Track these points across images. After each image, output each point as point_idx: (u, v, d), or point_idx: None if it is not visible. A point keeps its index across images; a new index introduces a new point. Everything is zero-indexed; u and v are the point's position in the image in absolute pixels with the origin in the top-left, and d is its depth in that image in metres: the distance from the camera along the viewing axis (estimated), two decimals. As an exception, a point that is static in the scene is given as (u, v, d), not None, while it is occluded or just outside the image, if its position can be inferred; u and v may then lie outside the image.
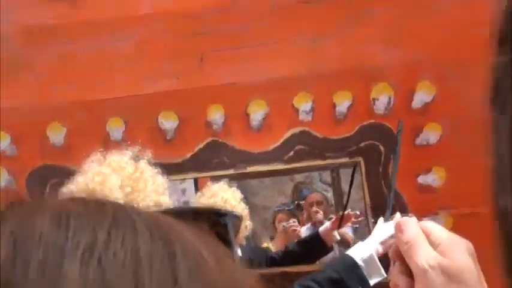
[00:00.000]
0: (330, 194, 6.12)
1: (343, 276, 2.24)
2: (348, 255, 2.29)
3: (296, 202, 4.83)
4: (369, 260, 2.27)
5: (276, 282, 3.20)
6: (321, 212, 4.81)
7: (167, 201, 2.11)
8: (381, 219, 2.47)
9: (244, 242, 4.14)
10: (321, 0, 3.22)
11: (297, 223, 4.74)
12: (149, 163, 2.18)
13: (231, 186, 3.94)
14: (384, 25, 3.18)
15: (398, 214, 2.39)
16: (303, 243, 4.11)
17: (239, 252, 3.95)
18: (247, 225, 4.00)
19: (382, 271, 2.29)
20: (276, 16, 3.25)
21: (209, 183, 3.89)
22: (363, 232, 3.87)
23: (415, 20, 3.16)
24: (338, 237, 3.87)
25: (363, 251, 2.29)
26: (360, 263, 2.27)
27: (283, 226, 4.60)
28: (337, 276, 2.23)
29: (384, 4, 3.17)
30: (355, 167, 3.40)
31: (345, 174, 4.06)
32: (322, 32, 3.21)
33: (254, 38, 3.25)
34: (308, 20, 3.23)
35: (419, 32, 3.15)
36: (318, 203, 4.97)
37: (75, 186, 2.09)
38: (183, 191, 4.86)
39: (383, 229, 2.38)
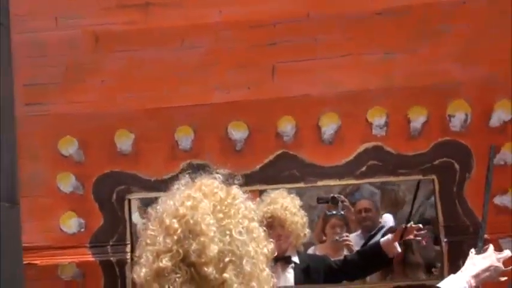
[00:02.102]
0: (378, 197, 6.11)
1: None
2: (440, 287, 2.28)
3: (332, 195, 4.82)
4: None
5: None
6: (370, 219, 4.81)
7: (257, 227, 2.11)
8: (473, 251, 2.47)
9: (302, 249, 4.16)
10: (396, 14, 3.23)
11: (349, 237, 4.75)
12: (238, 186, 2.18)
13: (290, 194, 3.97)
14: (461, 41, 3.19)
15: (491, 246, 2.38)
16: (364, 253, 4.11)
17: (297, 259, 3.97)
18: (306, 233, 4.02)
19: None
20: (350, 28, 3.27)
21: (269, 190, 3.91)
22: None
23: (493, 36, 3.16)
24: (399, 249, 3.86)
25: (455, 285, 2.28)
26: None
27: (336, 239, 4.62)
28: None
29: (461, 20, 3.18)
30: (419, 181, 3.39)
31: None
32: (397, 45, 3.23)
33: (327, 50, 3.28)
34: (383, 33, 3.25)
35: (498, 49, 3.16)
36: (367, 210, 4.98)
37: (164, 208, 2.09)
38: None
39: (476, 262, 2.37)
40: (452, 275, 2.37)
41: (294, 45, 3.30)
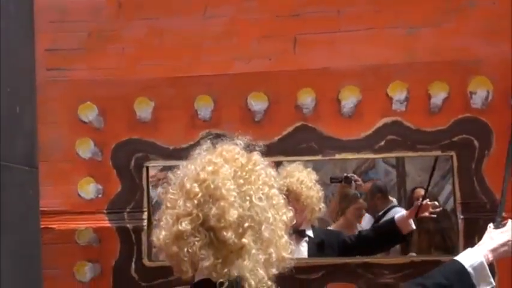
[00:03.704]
0: (393, 175, 6.13)
1: (452, 283, 2.25)
2: (457, 261, 2.31)
3: (345, 174, 4.84)
4: (478, 268, 2.29)
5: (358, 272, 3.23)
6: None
7: (277, 194, 2.13)
8: (491, 225, 2.48)
9: (316, 224, 4.19)
10: (420, -12, 3.20)
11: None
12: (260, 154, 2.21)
13: (306, 167, 3.99)
14: (485, 17, 3.18)
15: (510, 221, 2.39)
16: (378, 229, 4.15)
17: (311, 233, 4.00)
18: (321, 207, 4.05)
19: (491, 279, 2.30)
20: (374, 1, 3.28)
21: (285, 163, 3.93)
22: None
23: (517, 13, 3.12)
24: (414, 226, 3.89)
25: (473, 258, 2.30)
26: (470, 270, 2.28)
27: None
28: (446, 282, 2.25)
29: (487, -3, 3.15)
30: (436, 158, 3.40)
31: (408, 157, 4.03)
32: (420, 20, 3.23)
33: (350, 23, 3.28)
34: (406, 8, 3.25)
35: (522, 27, 3.12)
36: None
37: (185, 173, 2.12)
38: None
39: (494, 236, 2.39)
40: (469, 249, 2.39)
41: (316, 17, 3.30)
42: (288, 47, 3.30)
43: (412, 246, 4.31)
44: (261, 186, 2.10)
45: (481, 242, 2.41)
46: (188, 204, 2.05)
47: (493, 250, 2.35)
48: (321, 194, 4.03)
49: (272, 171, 2.19)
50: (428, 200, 3.86)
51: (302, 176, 3.99)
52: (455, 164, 3.14)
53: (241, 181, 2.09)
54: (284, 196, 2.20)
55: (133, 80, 3.38)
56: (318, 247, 4.00)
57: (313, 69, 3.27)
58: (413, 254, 4.07)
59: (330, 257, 3.66)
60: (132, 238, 3.32)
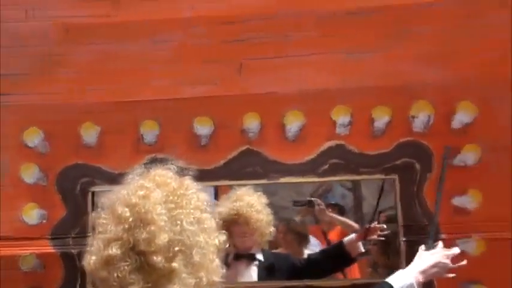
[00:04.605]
0: (349, 199, 6.18)
1: None
2: (387, 283, 2.33)
3: (308, 199, 4.87)
4: None
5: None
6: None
7: (209, 218, 2.14)
8: (422, 247, 2.52)
9: (266, 247, 4.20)
10: (365, 14, 3.28)
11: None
12: (180, 170, 2.22)
13: (256, 191, 4.00)
14: (428, 43, 3.25)
15: (441, 243, 2.43)
16: (327, 252, 4.17)
17: (261, 256, 4.01)
18: (271, 231, 4.06)
19: None
20: (318, 27, 3.33)
21: (235, 187, 3.95)
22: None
23: (459, 39, 3.22)
24: (362, 249, 3.91)
25: (403, 280, 2.33)
26: None
27: None
28: None
29: (429, 22, 3.24)
30: (384, 181, 3.44)
31: (364, 181, 4.08)
32: (364, 45, 3.28)
33: (295, 48, 3.33)
34: (350, 33, 3.30)
35: (463, 52, 3.22)
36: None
37: (117, 197, 2.12)
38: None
39: (424, 258, 2.42)
40: (400, 270, 2.42)
41: (262, 42, 3.35)
42: (234, 72, 3.34)
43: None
44: (192, 211, 2.10)
45: (411, 264, 2.44)
46: (119, 229, 2.05)
47: (423, 271, 2.39)
48: (270, 217, 4.04)
49: (204, 196, 2.19)
50: (376, 222, 3.89)
51: (252, 199, 4.01)
52: (398, 187, 3.18)
53: (172, 205, 2.09)
54: (217, 220, 2.20)
55: (80, 105, 3.38)
56: (267, 271, 4.00)
57: (258, 93, 3.31)
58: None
59: (277, 281, 3.66)
60: (76, 264, 3.29)
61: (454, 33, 3.21)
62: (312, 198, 4.90)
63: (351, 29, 3.28)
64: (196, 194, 2.16)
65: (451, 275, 2.51)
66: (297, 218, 4.84)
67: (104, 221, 2.10)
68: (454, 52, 3.21)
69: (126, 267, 2.00)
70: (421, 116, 3.20)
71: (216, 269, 2.13)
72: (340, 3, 3.30)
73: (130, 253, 2.02)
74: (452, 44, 3.21)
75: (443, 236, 3.09)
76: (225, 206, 4.01)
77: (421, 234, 3.11)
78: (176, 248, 2.03)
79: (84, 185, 3.35)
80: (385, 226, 3.81)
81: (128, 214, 2.06)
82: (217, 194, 4.35)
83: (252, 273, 4.00)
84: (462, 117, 3.18)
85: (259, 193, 4.07)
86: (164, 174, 2.18)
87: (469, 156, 3.16)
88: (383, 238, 3.84)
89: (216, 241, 2.16)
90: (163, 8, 3.38)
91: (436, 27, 3.24)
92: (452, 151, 3.15)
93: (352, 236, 3.97)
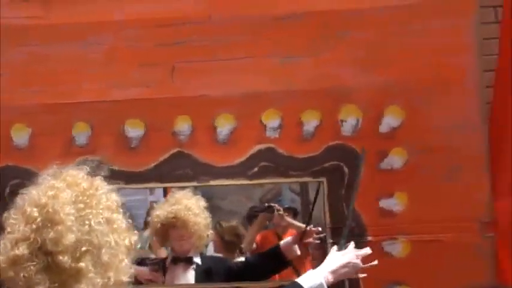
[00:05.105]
0: (297, 203, 6.21)
1: None
2: (297, 283, 2.35)
3: (267, 204, 4.90)
4: None
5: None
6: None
7: (120, 218, 2.14)
8: (334, 247, 2.55)
9: (204, 251, 4.20)
10: (296, 19, 3.32)
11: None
12: (111, 173, 2.22)
13: (195, 194, 4.01)
14: (357, 48, 3.30)
15: (352, 244, 2.47)
16: (264, 255, 4.18)
17: (199, 260, 4.02)
18: (208, 234, 4.06)
19: None
20: (250, 31, 3.36)
21: (174, 189, 3.95)
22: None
23: (387, 45, 3.29)
24: (298, 252, 3.93)
25: (312, 280, 2.36)
26: None
27: None
28: None
29: (358, 27, 3.29)
30: (319, 184, 3.48)
31: (313, 184, 4.12)
32: (294, 50, 3.32)
33: (227, 52, 3.35)
34: (281, 38, 3.34)
35: (391, 57, 3.28)
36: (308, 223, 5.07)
37: (27, 198, 2.12)
38: (151, 191, 4.93)
39: (335, 258, 2.45)
40: (311, 270, 2.45)
41: (195, 45, 3.37)
42: (166, 75, 3.35)
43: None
44: (101, 211, 2.10)
45: (322, 264, 2.47)
46: (27, 229, 2.04)
47: (333, 272, 2.42)
48: (208, 220, 4.04)
49: (115, 196, 2.20)
50: (312, 225, 3.92)
51: (190, 203, 4.01)
52: (326, 190, 3.22)
53: (82, 205, 2.09)
54: (129, 220, 2.20)
55: (11, 106, 3.36)
56: (205, 274, 4.00)
57: (190, 96, 3.33)
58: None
59: (210, 284, 3.68)
60: (4, 266, 3.26)
61: (383, 39, 3.27)
62: (271, 204, 4.93)
63: (281, 33, 3.32)
64: (107, 194, 2.17)
65: (361, 275, 2.55)
66: (226, 223, 4.84)
67: (13, 221, 2.10)
68: (383, 57, 3.26)
69: (32, 267, 2.00)
70: (350, 120, 3.25)
71: (125, 269, 2.13)
72: (272, 8, 3.34)
73: (37, 253, 2.02)
74: (380, 49, 3.27)
75: (369, 238, 3.14)
76: (163, 209, 4.00)
77: (349, 236, 3.15)
78: (84, 248, 2.03)
79: (14, 187, 3.33)
80: (320, 229, 3.84)
81: (36, 214, 2.06)
82: (166, 195, 4.36)
83: (190, 277, 4.00)
84: (390, 121, 3.24)
85: (197, 196, 4.08)
86: (75, 175, 2.18)
87: (395, 159, 3.22)
88: (319, 241, 3.87)
89: (127, 241, 2.17)
90: (96, 11, 3.39)
91: (365, 33, 3.30)
92: (380, 154, 3.20)
93: (289, 239, 4.00)
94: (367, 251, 2.54)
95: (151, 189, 4.86)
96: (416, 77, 3.24)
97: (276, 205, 4.91)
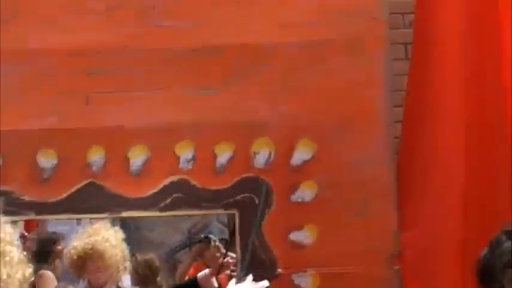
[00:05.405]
0: (226, 234, 6.22)
1: None
2: None
3: (203, 235, 4.89)
4: None
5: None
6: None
7: (13, 251, 2.12)
8: (233, 280, 2.57)
9: (122, 283, 4.17)
10: (211, 52, 3.35)
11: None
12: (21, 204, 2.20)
13: (113, 226, 3.99)
14: (271, 82, 3.35)
15: (250, 276, 2.49)
16: (180, 287, 4.17)
17: (117, 293, 3.98)
18: (126, 266, 4.03)
19: None
20: (166, 63, 3.38)
21: (92, 221, 3.92)
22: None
23: (300, 79, 3.33)
24: (215, 284, 3.93)
25: None
26: None
27: None
28: None
29: (272, 61, 3.33)
30: (234, 215, 3.50)
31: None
32: (209, 82, 3.36)
33: (142, 83, 3.36)
34: (197, 70, 3.36)
35: (304, 91, 3.33)
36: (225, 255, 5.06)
37: None
38: (78, 221, 4.87)
39: None
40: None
41: (110, 75, 3.37)
42: (81, 105, 3.34)
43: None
44: (-8, 243, 2.08)
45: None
46: None
47: (230, 304, 2.43)
48: (126, 252, 4.02)
49: (9, 228, 2.17)
50: (229, 258, 3.94)
51: (107, 234, 3.97)
52: (237, 222, 3.24)
53: (-29, 237, 2.06)
54: (24, 253, 2.18)
55: None
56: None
57: (104, 127, 3.33)
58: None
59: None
60: None
61: (296, 73, 3.33)
62: (208, 235, 4.93)
63: (197, 65, 3.35)
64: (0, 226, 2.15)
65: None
66: (142, 256, 4.83)
67: None
68: (295, 91, 3.32)
69: None
70: (262, 153, 3.29)
71: (17, 303, 2.10)
72: (188, 40, 3.37)
73: None
74: (293, 83, 3.33)
75: (279, 270, 3.17)
76: (81, 240, 3.96)
77: (259, 268, 3.17)
78: (-26, 282, 2.01)
79: None
80: (235, 261, 3.85)
81: None
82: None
83: (106, 308, 3.95)
84: (301, 154, 3.29)
85: (116, 228, 4.05)
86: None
87: (306, 192, 3.27)
88: (235, 273, 3.88)
89: (19, 274, 2.14)
90: (11, 39, 3.36)
91: (279, 67, 3.35)
92: (291, 187, 3.25)
93: (206, 271, 4.00)
94: (264, 283, 2.56)
95: (78, 220, 4.81)
96: (328, 111, 3.31)
97: (213, 236, 4.93)
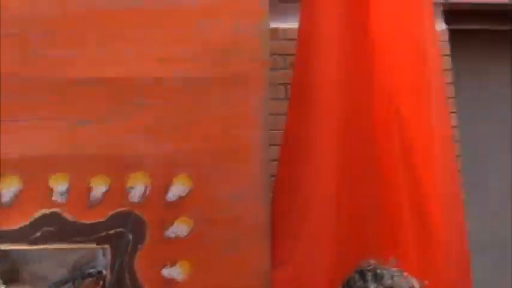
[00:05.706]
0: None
1: None
2: None
3: (98, 269, 4.77)
4: None
5: None
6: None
7: None
8: None
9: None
10: (90, 84, 3.32)
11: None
12: None
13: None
14: (148, 116, 3.34)
15: None
16: None
17: (-8, 329, 3.84)
18: (0, 299, 3.90)
19: None
20: (43, 93, 3.31)
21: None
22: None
23: (178, 114, 3.35)
24: None
25: None
26: None
27: None
28: None
29: (150, 96, 3.33)
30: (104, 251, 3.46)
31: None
32: (86, 114, 3.32)
33: (19, 112, 3.29)
34: (74, 101, 3.32)
35: (181, 126, 3.34)
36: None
37: None
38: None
39: None
40: None
41: (-15, 104, 3.28)
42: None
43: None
44: None
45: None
46: None
47: None
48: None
49: None
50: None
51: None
52: (109, 257, 3.21)
53: None
54: None
55: None
56: None
57: (-27, 157, 3.23)
58: None
59: None
60: None
61: (174, 108, 3.34)
62: (99, 269, 4.80)
63: (74, 97, 3.31)
64: None
65: None
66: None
67: None
68: (173, 126, 3.33)
69: None
70: (138, 187, 3.27)
71: None
72: (67, 71, 3.33)
73: None
74: (171, 118, 3.34)
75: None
76: None
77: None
78: None
79: None
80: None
81: None
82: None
83: None
84: (177, 190, 3.29)
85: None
86: None
87: (181, 228, 3.27)
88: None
89: None
90: None
91: (159, 102, 3.36)
92: (166, 222, 3.25)
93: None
94: None
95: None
96: (205, 147, 3.33)
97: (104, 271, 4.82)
